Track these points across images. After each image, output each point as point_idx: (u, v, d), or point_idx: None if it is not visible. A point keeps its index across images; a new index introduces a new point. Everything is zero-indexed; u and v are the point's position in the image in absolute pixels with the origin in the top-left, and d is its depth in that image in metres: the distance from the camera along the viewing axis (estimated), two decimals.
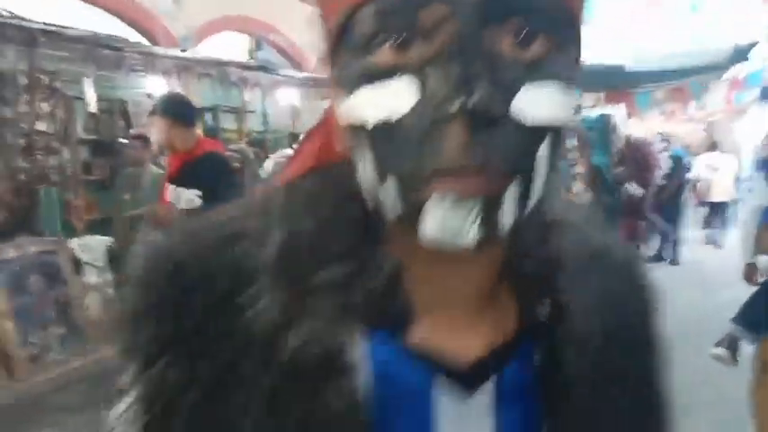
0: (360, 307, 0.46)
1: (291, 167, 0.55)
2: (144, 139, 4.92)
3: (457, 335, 0.49)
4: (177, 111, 3.06)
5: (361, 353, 0.46)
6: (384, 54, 0.41)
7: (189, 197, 2.99)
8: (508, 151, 0.40)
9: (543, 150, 0.42)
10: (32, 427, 3.68)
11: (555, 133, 0.43)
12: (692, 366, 4.27)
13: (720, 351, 3.00)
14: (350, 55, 0.44)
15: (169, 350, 0.47)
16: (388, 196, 0.43)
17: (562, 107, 0.43)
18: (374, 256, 0.47)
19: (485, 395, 0.49)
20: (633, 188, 6.23)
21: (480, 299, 0.51)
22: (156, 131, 3.20)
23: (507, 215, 0.42)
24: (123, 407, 0.53)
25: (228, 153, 4.28)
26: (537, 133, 0.42)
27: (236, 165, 4.24)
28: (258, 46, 14.73)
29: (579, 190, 4.13)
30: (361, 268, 0.46)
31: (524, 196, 0.43)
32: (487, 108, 0.38)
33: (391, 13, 0.40)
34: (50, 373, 4.44)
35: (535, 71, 0.41)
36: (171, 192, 3.09)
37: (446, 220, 0.41)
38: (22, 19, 5.01)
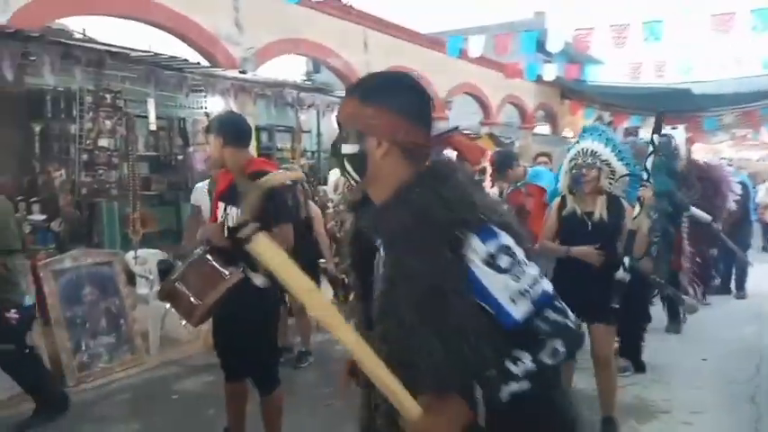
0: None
1: None
2: None
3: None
4: (229, 131, 3.11)
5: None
6: None
7: (236, 216, 3.01)
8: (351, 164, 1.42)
9: (370, 164, 1.38)
10: None
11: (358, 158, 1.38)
12: None
13: None
14: None
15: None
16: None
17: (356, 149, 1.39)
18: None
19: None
20: (700, 213, 5.85)
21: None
22: (211, 149, 3.27)
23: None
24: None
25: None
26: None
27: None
28: (316, 68, 15.06)
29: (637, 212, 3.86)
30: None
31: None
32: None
33: None
34: (97, 381, 4.57)
35: (347, 142, 1.39)
36: (221, 209, 3.14)
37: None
38: (92, 41, 5.29)
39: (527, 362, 1.22)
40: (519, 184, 5.00)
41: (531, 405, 1.26)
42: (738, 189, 6.86)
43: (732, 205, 6.76)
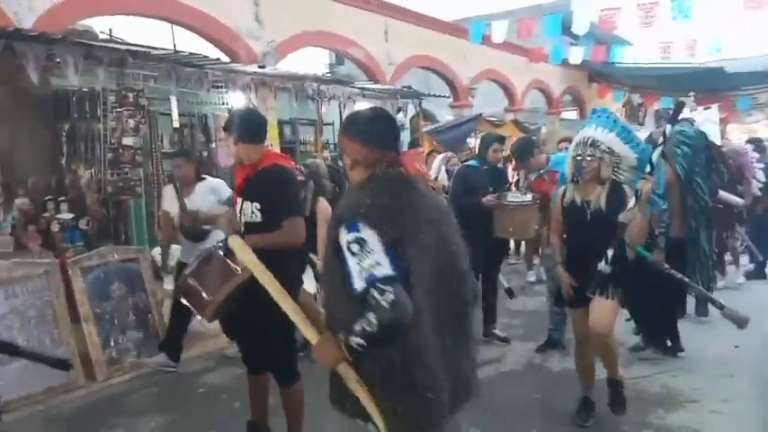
0: None
1: None
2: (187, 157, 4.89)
3: None
4: (240, 128, 3.17)
5: None
6: None
7: (250, 211, 3.07)
8: None
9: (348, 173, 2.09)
10: (106, 429, 3.87)
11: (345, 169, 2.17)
12: None
13: None
14: None
15: None
16: None
17: None
18: None
19: None
20: (731, 198, 5.65)
21: None
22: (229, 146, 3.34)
23: None
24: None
25: (296, 166, 4.35)
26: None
27: (301, 178, 4.27)
28: (339, 60, 15.04)
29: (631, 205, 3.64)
30: None
31: None
32: None
33: None
34: (126, 375, 4.67)
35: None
36: (238, 204, 3.20)
37: None
38: (114, 41, 5.37)
39: (360, 324, 1.74)
40: (542, 171, 4.92)
41: (371, 357, 1.82)
42: (763, 176, 6.63)
43: (756, 192, 6.55)
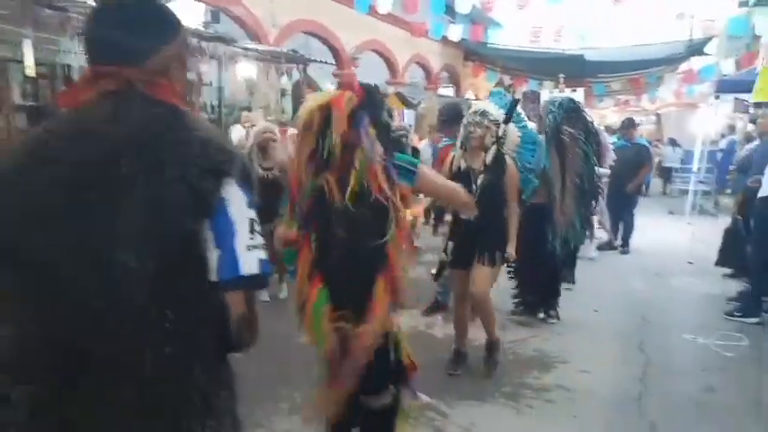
0: None
1: None
2: None
3: None
4: None
5: None
6: None
7: None
8: None
9: None
10: None
11: None
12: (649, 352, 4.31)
13: None
14: None
15: None
16: None
17: None
18: None
19: None
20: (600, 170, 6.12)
21: None
22: None
23: None
24: None
25: None
26: None
27: None
28: (215, 17, 14.14)
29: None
30: None
31: None
32: None
33: None
34: None
35: None
36: None
37: None
38: None
39: None
40: (451, 141, 4.99)
41: None
42: (613, 156, 7.31)
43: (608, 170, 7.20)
